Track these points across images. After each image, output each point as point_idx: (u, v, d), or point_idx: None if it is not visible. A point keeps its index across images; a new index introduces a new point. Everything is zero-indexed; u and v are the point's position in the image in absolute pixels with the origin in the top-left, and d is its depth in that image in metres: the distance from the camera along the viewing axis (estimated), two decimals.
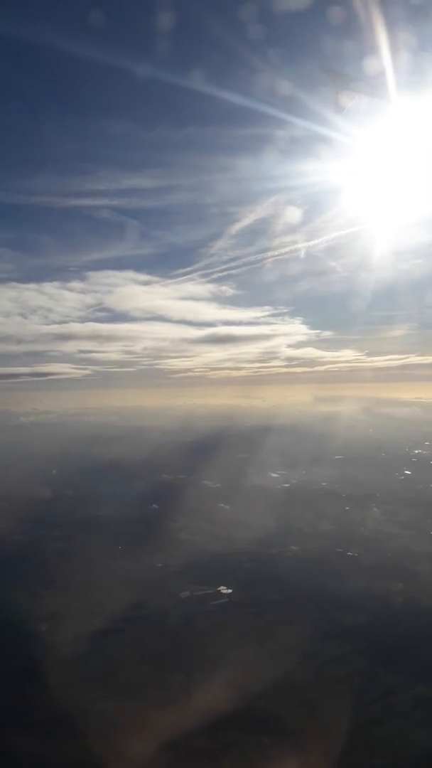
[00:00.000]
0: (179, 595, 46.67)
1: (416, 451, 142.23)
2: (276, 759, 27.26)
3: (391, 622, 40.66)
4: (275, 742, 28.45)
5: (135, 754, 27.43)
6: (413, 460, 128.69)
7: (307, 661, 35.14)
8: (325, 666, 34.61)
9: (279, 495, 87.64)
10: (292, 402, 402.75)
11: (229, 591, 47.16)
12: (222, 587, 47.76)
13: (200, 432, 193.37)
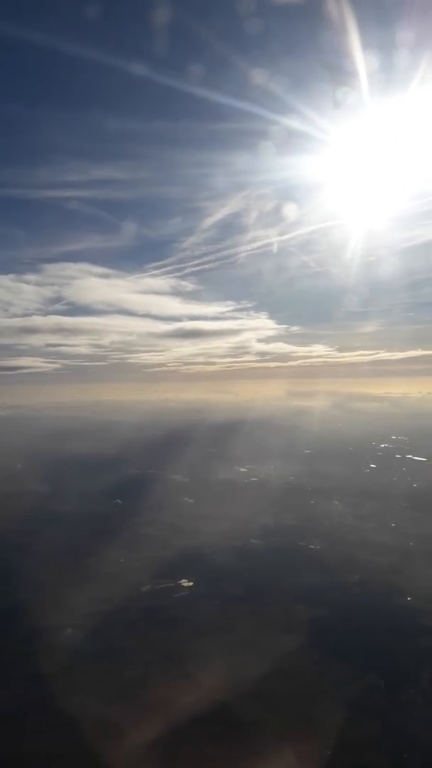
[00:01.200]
0: (140, 589, 46.58)
1: (383, 445, 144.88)
2: (230, 753, 27.44)
3: (346, 615, 41.30)
4: (229, 735, 28.62)
5: (83, 750, 27.31)
6: (379, 453, 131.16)
7: (263, 655, 35.40)
8: (280, 659, 34.90)
9: (246, 489, 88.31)
10: (264, 396, 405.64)
11: (191, 584, 47.29)
12: (183, 581, 47.86)
13: (171, 426, 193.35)
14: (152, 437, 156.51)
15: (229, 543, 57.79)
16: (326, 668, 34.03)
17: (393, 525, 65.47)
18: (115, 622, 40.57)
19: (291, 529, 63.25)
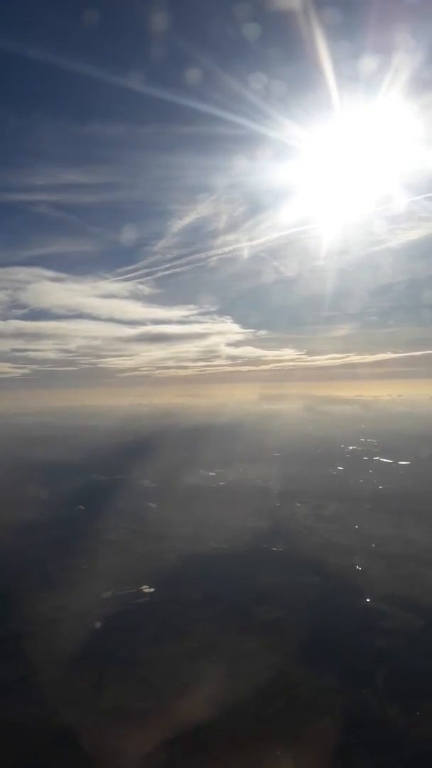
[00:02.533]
0: (101, 596, 46.20)
1: (351, 448, 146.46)
2: (178, 754, 27.40)
3: (305, 616, 41.59)
4: (180, 739, 28.59)
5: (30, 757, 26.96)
6: (347, 456, 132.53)
7: (219, 659, 35.48)
8: (236, 662, 35.04)
9: (213, 493, 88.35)
10: (236, 400, 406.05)
11: (152, 590, 47.09)
12: (145, 586, 47.63)
13: (142, 431, 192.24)
14: (122, 442, 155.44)
15: (192, 547, 57.76)
16: (282, 670, 34.24)
17: (356, 527, 66.27)
18: (72, 630, 40.11)
19: (255, 532, 63.47)
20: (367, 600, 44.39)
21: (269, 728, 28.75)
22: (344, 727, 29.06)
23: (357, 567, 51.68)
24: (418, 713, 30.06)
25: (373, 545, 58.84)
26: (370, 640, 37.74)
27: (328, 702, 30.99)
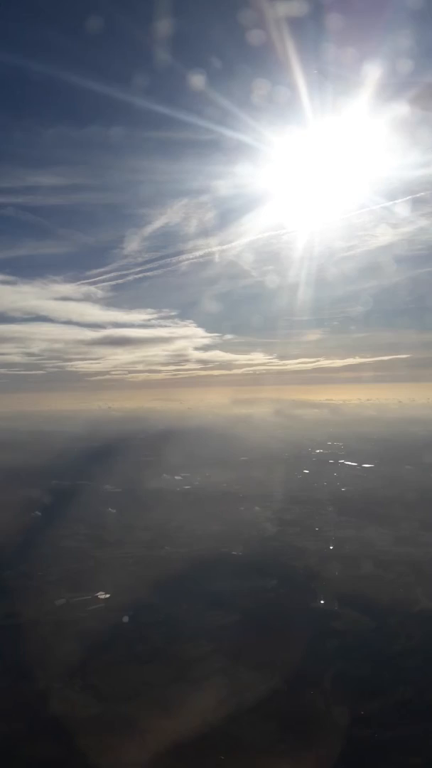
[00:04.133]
0: (54, 602, 45.54)
1: (317, 451, 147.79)
2: (122, 759, 27.13)
3: (258, 620, 41.71)
4: (124, 742, 28.32)
5: None
6: (314, 459, 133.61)
7: (168, 664, 35.30)
8: (186, 667, 34.89)
9: (176, 497, 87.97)
10: (208, 404, 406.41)
11: (107, 596, 46.62)
12: (100, 593, 47.12)
13: (110, 436, 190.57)
14: (88, 447, 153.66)
15: (151, 552, 57.44)
16: (231, 674, 34.19)
17: (316, 529, 66.81)
18: (22, 637, 39.44)
19: (216, 536, 63.43)
20: (321, 602, 44.75)
21: (212, 732, 28.63)
22: (288, 729, 29.17)
23: (313, 569, 52.07)
24: (362, 713, 30.39)
25: (331, 547, 59.40)
26: (320, 642, 38.02)
27: (273, 705, 31.07)
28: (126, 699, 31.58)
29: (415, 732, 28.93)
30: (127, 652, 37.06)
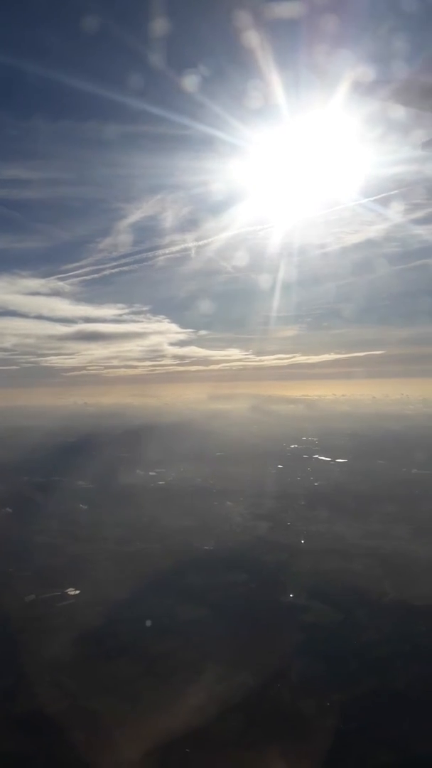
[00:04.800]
0: (24, 599, 45.15)
1: (292, 446, 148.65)
2: (89, 754, 27.08)
3: (227, 614, 41.93)
4: (91, 735, 28.31)
5: None
6: (288, 454, 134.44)
7: (136, 659, 35.34)
8: (155, 662, 34.97)
9: (150, 493, 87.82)
10: (185, 400, 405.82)
11: (77, 592, 46.40)
12: (70, 589, 46.88)
13: (85, 432, 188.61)
14: (63, 443, 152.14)
15: (122, 548, 57.27)
16: (199, 668, 34.33)
17: (288, 524, 67.38)
18: None
19: (188, 531, 63.48)
20: (291, 595, 45.17)
21: (178, 726, 28.78)
22: (255, 722, 29.44)
23: (284, 563, 52.52)
24: (328, 704, 30.82)
25: (302, 541, 59.98)
26: (289, 636, 38.36)
27: (240, 698, 31.32)
28: (94, 695, 31.53)
29: (380, 722, 29.45)
30: (95, 647, 36.97)
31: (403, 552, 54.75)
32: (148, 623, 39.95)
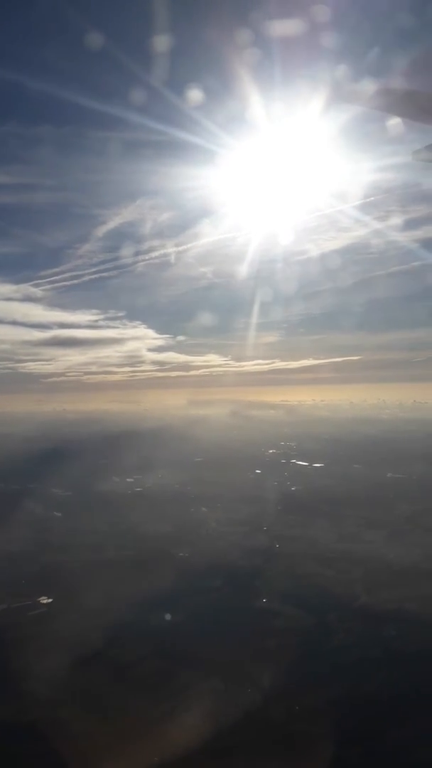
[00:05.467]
0: None
1: (271, 451, 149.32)
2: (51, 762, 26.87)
3: (201, 620, 41.96)
4: (61, 745, 28.07)
5: None
6: (266, 460, 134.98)
7: (108, 667, 35.18)
8: (126, 669, 34.84)
9: (127, 500, 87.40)
10: (166, 406, 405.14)
11: (49, 601, 45.98)
12: (42, 597, 46.44)
13: (63, 438, 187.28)
14: (39, 450, 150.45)
15: (96, 556, 56.88)
16: (170, 674, 34.29)
17: (265, 528, 67.59)
18: None
19: (164, 537, 63.35)
20: (264, 600, 45.35)
21: (145, 733, 28.72)
22: (224, 727, 29.48)
23: (258, 568, 52.69)
24: (297, 708, 31.01)
25: (277, 546, 60.27)
26: (261, 641, 38.49)
27: (210, 703, 31.35)
28: (61, 703, 31.27)
29: (349, 725, 29.70)
30: (65, 656, 36.53)
31: (375, 555, 55.36)
32: (120, 630, 39.74)
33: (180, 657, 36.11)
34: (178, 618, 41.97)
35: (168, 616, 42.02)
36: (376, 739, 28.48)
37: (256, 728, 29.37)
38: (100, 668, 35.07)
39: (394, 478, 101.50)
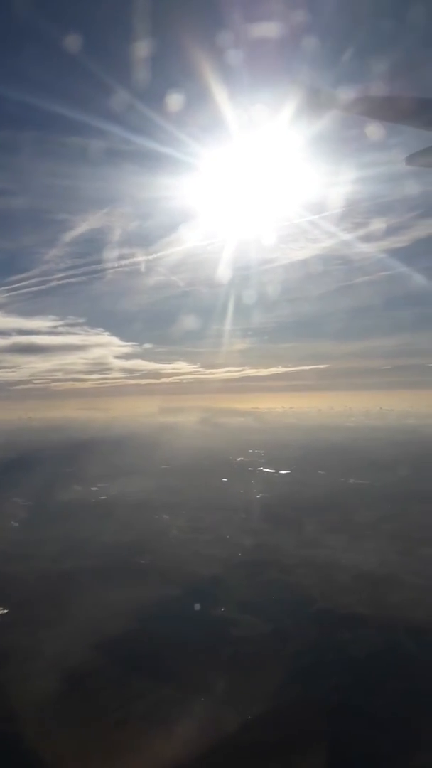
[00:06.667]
0: None
1: (239, 459, 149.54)
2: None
3: (158, 629, 41.66)
4: (15, 760, 27.50)
5: None
6: (234, 467, 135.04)
7: (61, 677, 34.62)
8: (78, 680, 34.38)
9: (90, 509, 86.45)
10: (135, 413, 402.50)
11: (4, 612, 45.12)
12: None
13: (27, 447, 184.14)
14: (2, 459, 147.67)
15: (55, 566, 56.04)
16: (125, 683, 34.02)
17: (228, 537, 67.62)
18: None
19: (124, 546, 62.80)
20: (222, 609, 45.30)
21: (95, 743, 28.38)
22: (176, 736, 29.34)
23: (219, 577, 52.66)
24: (249, 717, 31.03)
25: (239, 554, 60.34)
26: (217, 649, 38.46)
27: (163, 713, 31.16)
28: (9, 719, 30.61)
29: (301, 730, 29.88)
30: (17, 667, 36.05)
31: (334, 561, 55.95)
32: (75, 640, 39.22)
33: (134, 666, 35.87)
34: (134, 627, 41.65)
35: (124, 626, 41.67)
36: (325, 745, 28.65)
37: (207, 738, 29.28)
38: (52, 679, 34.45)
39: (357, 485, 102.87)
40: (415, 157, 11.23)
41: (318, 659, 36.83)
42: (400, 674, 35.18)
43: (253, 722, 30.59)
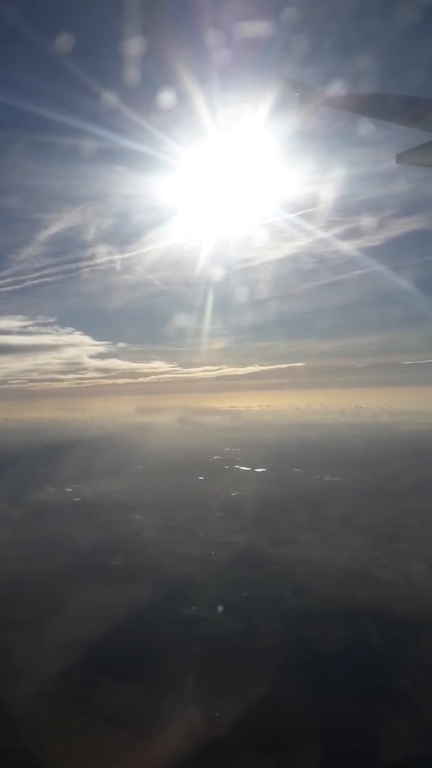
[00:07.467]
0: None
1: (215, 458, 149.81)
2: None
3: (129, 629, 41.48)
4: None
5: None
6: (210, 466, 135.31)
7: (29, 680, 34.30)
8: (45, 681, 34.05)
9: (65, 510, 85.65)
10: (112, 413, 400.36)
11: None
12: None
13: (3, 448, 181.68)
14: None
15: (24, 568, 55.39)
16: (93, 685, 33.82)
17: (202, 535, 67.69)
18: None
19: (97, 547, 62.42)
20: (194, 608, 45.31)
21: (62, 744, 28.16)
22: (142, 735, 29.29)
23: (191, 576, 52.64)
24: (217, 714, 31.11)
25: (212, 552, 60.41)
26: (187, 648, 38.41)
27: (130, 712, 31.09)
28: None
29: (265, 728, 30.04)
30: None
31: (305, 558, 56.42)
32: (43, 643, 38.89)
33: (103, 668, 35.65)
34: (104, 628, 41.38)
35: (94, 627, 41.41)
36: (296, 743, 28.89)
37: (175, 736, 29.28)
38: (21, 682, 34.11)
39: (331, 482, 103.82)
40: (405, 156, 11.09)
41: (286, 657, 37.08)
42: (371, 670, 35.64)
43: (222, 720, 30.67)
